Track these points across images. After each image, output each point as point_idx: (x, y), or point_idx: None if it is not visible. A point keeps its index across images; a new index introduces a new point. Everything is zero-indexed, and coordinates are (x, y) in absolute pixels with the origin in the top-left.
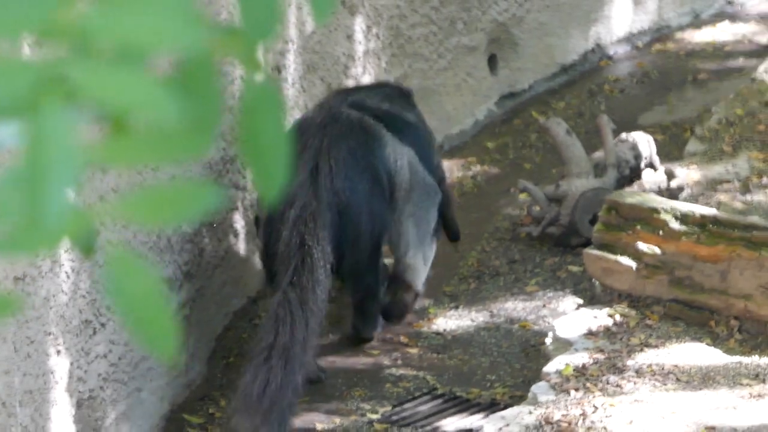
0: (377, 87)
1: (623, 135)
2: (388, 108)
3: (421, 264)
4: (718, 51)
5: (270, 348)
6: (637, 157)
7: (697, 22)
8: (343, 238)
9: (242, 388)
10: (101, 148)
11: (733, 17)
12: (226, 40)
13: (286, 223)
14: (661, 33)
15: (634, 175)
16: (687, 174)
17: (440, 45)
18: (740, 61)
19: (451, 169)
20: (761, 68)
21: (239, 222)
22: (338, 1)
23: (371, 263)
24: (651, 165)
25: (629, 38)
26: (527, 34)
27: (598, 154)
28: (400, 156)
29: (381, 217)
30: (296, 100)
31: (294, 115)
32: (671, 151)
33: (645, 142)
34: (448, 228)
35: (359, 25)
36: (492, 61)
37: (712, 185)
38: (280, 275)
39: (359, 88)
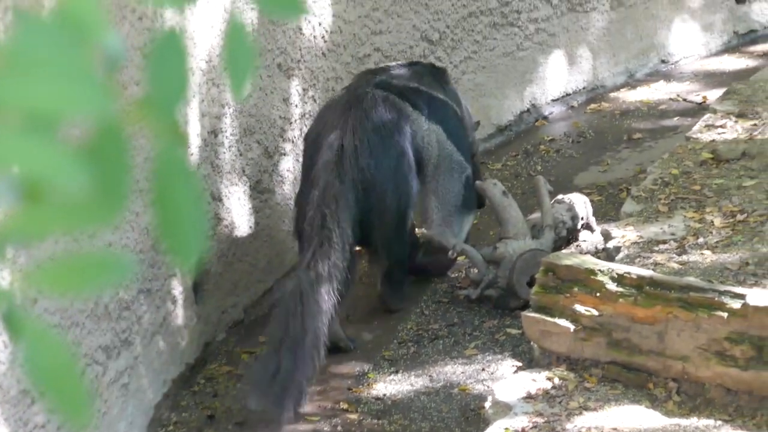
0: (407, 66)
1: (560, 196)
2: (416, 86)
3: (449, 235)
4: (652, 110)
5: (280, 341)
6: (574, 218)
7: (631, 82)
8: (370, 214)
9: (253, 376)
10: (13, 219)
11: (668, 76)
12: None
13: (311, 203)
14: (596, 92)
15: (571, 236)
16: (623, 235)
17: None
18: (675, 120)
19: None
20: (696, 127)
21: (177, 288)
22: (255, 78)
23: (398, 237)
24: (588, 226)
25: (564, 98)
26: (463, 95)
27: (535, 216)
28: (427, 133)
29: (406, 191)
30: (233, 164)
31: (230, 179)
32: (608, 211)
33: (581, 203)
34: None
35: (295, 87)
36: None
37: (648, 246)
38: (300, 257)
39: (388, 68)
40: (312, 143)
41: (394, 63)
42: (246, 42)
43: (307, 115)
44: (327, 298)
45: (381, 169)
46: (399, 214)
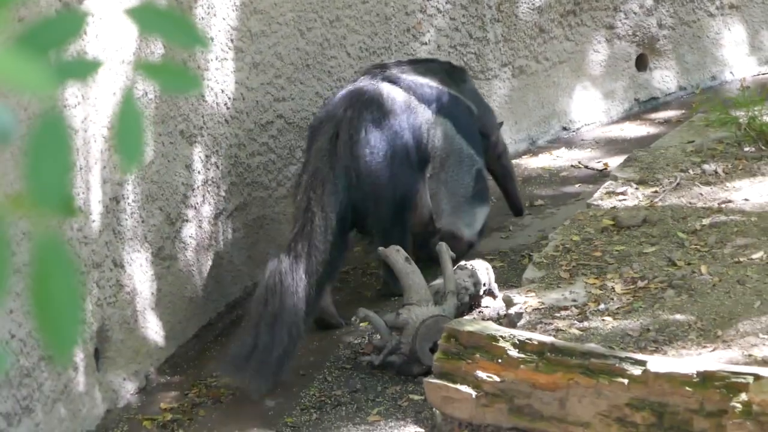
0: (420, 62)
1: (462, 262)
2: (426, 81)
3: (461, 224)
4: (554, 177)
5: (259, 316)
6: (476, 284)
7: (533, 149)
8: (365, 201)
9: (232, 351)
10: None
11: (569, 143)
12: (16, 200)
13: (300, 188)
14: None
15: (474, 302)
16: (525, 301)
17: (279, 173)
18: (576, 187)
19: None
20: (597, 194)
21: (78, 355)
22: (146, 152)
23: (396, 223)
24: (490, 292)
25: None
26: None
27: (438, 282)
28: (432, 126)
29: (404, 181)
30: (135, 231)
31: (132, 246)
32: (510, 277)
33: (484, 270)
34: (510, 202)
35: (198, 154)
36: None
37: (550, 312)
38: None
39: (399, 63)
40: (312, 131)
41: (407, 58)
42: (137, 117)
43: (209, 182)
44: (306, 277)
45: (377, 158)
46: (395, 202)
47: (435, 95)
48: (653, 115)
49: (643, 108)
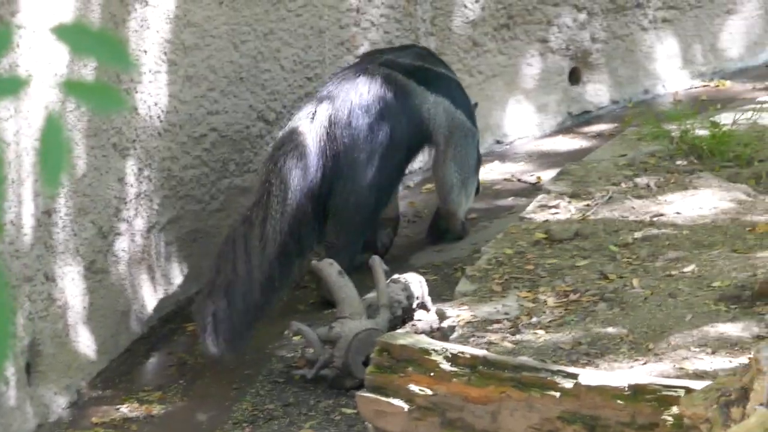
0: (408, 47)
1: (395, 276)
2: (421, 64)
3: (463, 200)
4: (487, 190)
5: (212, 284)
6: (410, 297)
7: None
8: (339, 180)
9: (197, 319)
10: None
11: (503, 157)
12: None
13: (266, 161)
14: (431, 172)
15: (407, 315)
16: (458, 314)
17: (212, 186)
18: (509, 200)
19: None
20: (530, 207)
21: (9, 369)
22: (69, 170)
23: (365, 216)
24: (423, 306)
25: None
26: None
27: (371, 295)
28: (433, 105)
29: (389, 168)
30: (66, 244)
31: (64, 259)
32: (443, 291)
33: (417, 283)
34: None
35: (131, 167)
36: None
37: (482, 325)
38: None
39: (391, 49)
40: (297, 110)
41: (392, 46)
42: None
43: (142, 195)
44: (260, 245)
45: (357, 141)
46: (367, 185)
47: (431, 76)
48: (586, 129)
49: (575, 121)
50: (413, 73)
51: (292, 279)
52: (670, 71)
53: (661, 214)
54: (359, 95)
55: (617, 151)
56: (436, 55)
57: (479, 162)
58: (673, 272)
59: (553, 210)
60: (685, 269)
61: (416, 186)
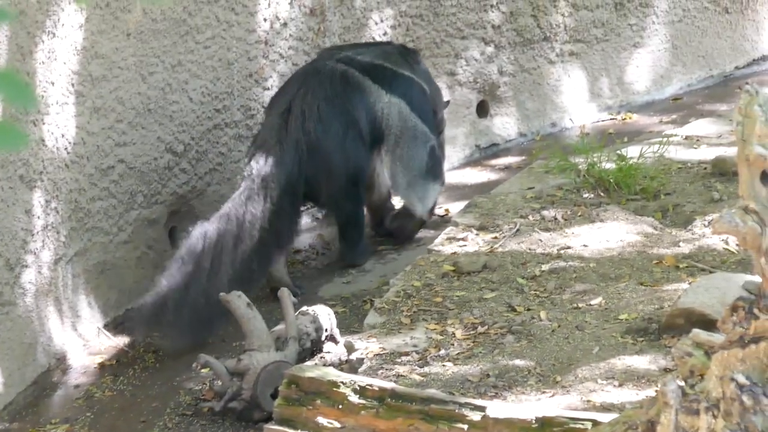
0: (375, 45)
1: (304, 308)
2: (380, 63)
3: (415, 199)
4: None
5: (171, 276)
6: (318, 329)
7: None
8: (317, 175)
9: (144, 303)
10: None
11: None
12: None
13: (248, 157)
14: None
15: (316, 348)
16: (367, 347)
17: (120, 218)
18: (419, 232)
19: (132, 343)
20: (438, 240)
21: None
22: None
23: (349, 196)
24: (332, 338)
25: (310, 210)
26: (207, 206)
27: (280, 327)
28: (386, 105)
29: (356, 155)
30: None
31: None
32: (351, 323)
33: (326, 315)
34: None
35: (38, 199)
36: (173, 234)
37: (391, 358)
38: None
39: (355, 45)
40: (267, 108)
41: (363, 42)
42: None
43: (49, 227)
44: (234, 242)
45: (328, 133)
46: (347, 175)
47: (389, 76)
48: (494, 162)
49: (484, 154)
50: (369, 71)
51: (268, 268)
52: (577, 104)
53: (569, 247)
54: (323, 90)
55: (525, 184)
56: (407, 54)
57: (437, 168)
58: (580, 305)
59: (461, 242)
60: (593, 302)
61: (325, 218)
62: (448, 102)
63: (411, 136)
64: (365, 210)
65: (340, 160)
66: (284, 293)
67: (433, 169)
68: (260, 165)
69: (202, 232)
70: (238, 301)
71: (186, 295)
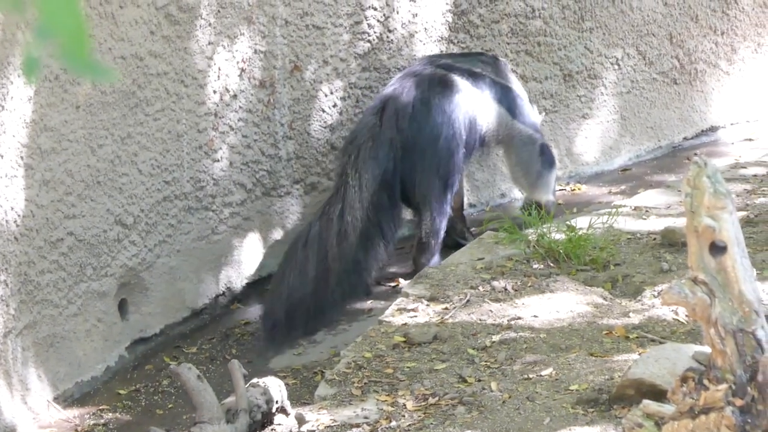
0: (472, 54)
1: (255, 380)
2: (479, 71)
3: (540, 195)
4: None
5: (283, 273)
6: (269, 401)
7: None
8: (411, 173)
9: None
10: None
11: None
12: None
13: (341, 155)
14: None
15: (266, 420)
16: (318, 418)
17: (70, 291)
18: (369, 303)
19: (82, 416)
20: (389, 311)
21: None
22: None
23: (437, 199)
24: (283, 410)
25: (260, 281)
26: (158, 278)
27: (230, 400)
28: (486, 110)
29: (448, 158)
30: None
31: None
32: (302, 395)
33: (276, 387)
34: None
35: None
36: (123, 306)
37: (342, 430)
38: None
39: (453, 54)
40: (367, 108)
41: (459, 52)
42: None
43: None
44: (336, 240)
45: (423, 133)
46: (439, 176)
47: (488, 84)
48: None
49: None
50: (469, 77)
51: (379, 261)
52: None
53: (519, 318)
54: (421, 91)
55: (475, 255)
56: (500, 64)
57: (549, 159)
58: (531, 375)
59: (412, 313)
60: (543, 372)
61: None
62: (546, 111)
63: (519, 142)
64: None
65: (432, 161)
66: (234, 366)
67: (548, 162)
68: (353, 160)
69: (302, 236)
70: (188, 373)
71: (298, 293)
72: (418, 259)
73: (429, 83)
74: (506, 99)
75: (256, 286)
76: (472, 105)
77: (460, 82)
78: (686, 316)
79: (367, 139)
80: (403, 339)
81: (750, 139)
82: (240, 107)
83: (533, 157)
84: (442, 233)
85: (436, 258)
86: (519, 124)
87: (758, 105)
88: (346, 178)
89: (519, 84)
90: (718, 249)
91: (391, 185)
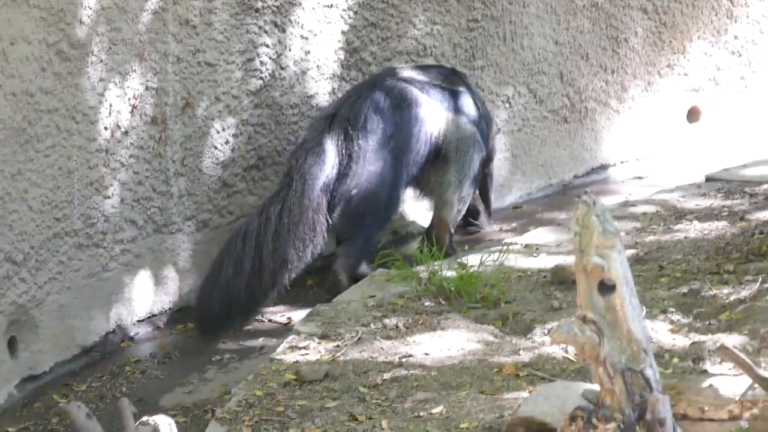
0: (432, 67)
1: (145, 418)
2: (439, 83)
3: (455, 201)
4: (238, 331)
5: (215, 278)
6: None
7: None
8: (352, 179)
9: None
10: None
11: None
12: None
13: (289, 156)
14: (182, 312)
15: None
16: None
17: None
18: (260, 341)
19: None
20: (280, 348)
21: None
22: None
23: (371, 210)
24: None
25: (151, 318)
26: (47, 316)
27: None
28: (444, 119)
29: (394, 169)
30: None
31: None
32: None
33: (166, 425)
34: (484, 197)
35: None
36: (12, 344)
37: None
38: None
39: (415, 66)
40: (318, 114)
41: (416, 64)
42: None
43: None
44: (272, 237)
45: (368, 142)
46: (378, 184)
47: (446, 92)
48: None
49: (326, 262)
50: (427, 88)
51: (305, 262)
52: (419, 213)
53: (410, 355)
54: (375, 102)
55: (366, 292)
56: (459, 74)
57: (477, 179)
58: (421, 413)
59: (303, 351)
60: (434, 410)
61: (166, 326)
62: (499, 129)
63: (466, 144)
64: None
65: (379, 169)
66: (124, 403)
67: (476, 180)
68: (299, 163)
69: (242, 229)
70: (78, 411)
71: (233, 284)
72: (342, 264)
73: (386, 94)
74: (462, 105)
75: (147, 324)
76: (428, 113)
77: (417, 93)
78: (576, 354)
79: (315, 144)
80: (295, 377)
81: (640, 177)
82: (131, 144)
83: (473, 163)
84: (365, 249)
85: (363, 266)
86: (473, 129)
87: (648, 143)
88: (289, 180)
89: (478, 93)
90: (606, 288)
91: (330, 187)
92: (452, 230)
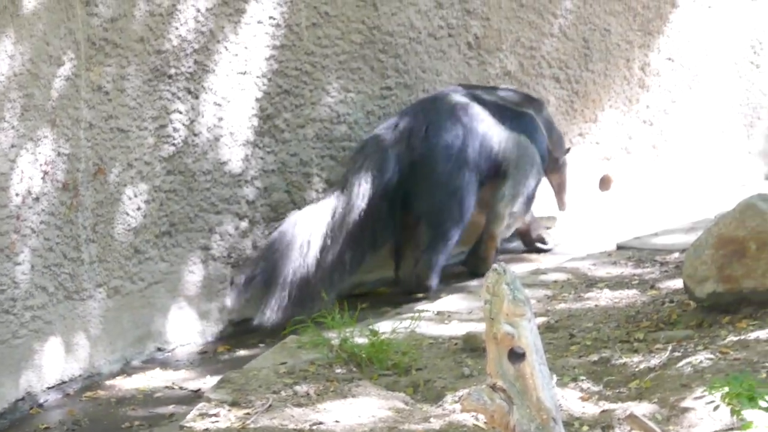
0: (503, 89)
1: None
2: (503, 103)
3: (506, 215)
4: (148, 398)
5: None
6: None
7: (128, 369)
8: (416, 187)
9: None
10: None
11: (164, 364)
12: None
13: (348, 161)
14: (92, 380)
15: None
16: None
17: None
18: (171, 408)
19: None
20: (190, 415)
21: None
22: None
23: (448, 215)
24: None
25: (61, 385)
26: None
27: None
28: (504, 138)
29: (461, 177)
30: None
31: None
32: None
33: None
34: (560, 202)
35: None
36: None
37: None
38: None
39: (486, 87)
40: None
41: (492, 85)
42: None
43: None
44: (331, 234)
45: (433, 152)
46: (449, 194)
47: (509, 113)
48: (247, 336)
49: (237, 329)
50: (492, 108)
51: (361, 265)
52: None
53: (321, 423)
54: (438, 115)
55: (278, 359)
56: (533, 100)
57: (532, 200)
58: None
59: (214, 418)
60: None
61: (76, 393)
62: (568, 149)
63: (524, 164)
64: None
65: (441, 178)
66: None
67: (531, 200)
68: (358, 169)
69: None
70: None
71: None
72: (416, 279)
73: (449, 108)
74: (524, 128)
75: (57, 391)
76: (489, 130)
77: (478, 109)
78: (486, 422)
79: (375, 151)
80: None
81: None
82: (42, 210)
83: (528, 181)
84: (450, 245)
85: (437, 269)
86: (533, 151)
87: (560, 211)
88: (347, 184)
89: (550, 120)
90: (516, 356)
91: (392, 196)
92: (499, 245)
